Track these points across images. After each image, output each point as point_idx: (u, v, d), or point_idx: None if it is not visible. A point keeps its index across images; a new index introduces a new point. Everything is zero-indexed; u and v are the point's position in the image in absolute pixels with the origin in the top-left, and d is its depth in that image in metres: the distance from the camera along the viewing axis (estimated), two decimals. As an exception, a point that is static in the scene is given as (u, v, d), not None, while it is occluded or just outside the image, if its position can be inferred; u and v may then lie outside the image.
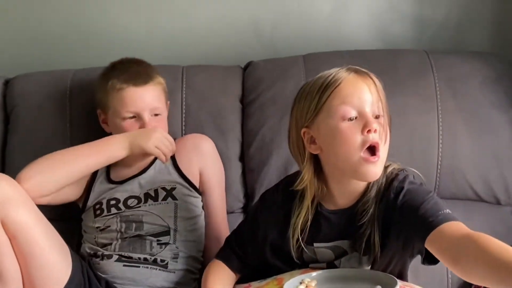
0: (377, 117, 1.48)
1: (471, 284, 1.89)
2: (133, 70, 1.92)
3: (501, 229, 1.98)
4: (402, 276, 1.55)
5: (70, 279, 1.69)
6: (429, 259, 1.43)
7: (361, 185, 1.53)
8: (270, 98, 2.04)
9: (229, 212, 2.02)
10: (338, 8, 2.35)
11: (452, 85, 2.02)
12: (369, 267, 1.55)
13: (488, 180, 2.00)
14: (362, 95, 1.47)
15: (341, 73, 1.50)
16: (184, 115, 2.07)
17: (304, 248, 1.56)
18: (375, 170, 1.47)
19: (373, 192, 1.51)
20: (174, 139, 2.00)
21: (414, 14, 2.35)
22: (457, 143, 1.99)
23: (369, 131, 1.45)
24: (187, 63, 2.17)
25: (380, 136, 1.47)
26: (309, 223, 1.55)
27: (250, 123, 2.07)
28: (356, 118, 1.46)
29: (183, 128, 2.06)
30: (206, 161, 1.97)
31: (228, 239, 1.75)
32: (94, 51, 2.38)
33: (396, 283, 1.42)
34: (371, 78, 1.51)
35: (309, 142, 1.52)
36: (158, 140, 1.85)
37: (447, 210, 1.42)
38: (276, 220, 1.62)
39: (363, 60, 2.04)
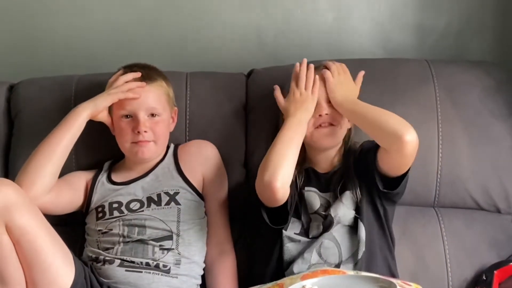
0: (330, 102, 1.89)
1: (474, 286, 1.91)
2: (135, 70, 1.95)
3: (501, 238, 2.00)
4: (390, 231, 1.90)
5: (73, 284, 1.69)
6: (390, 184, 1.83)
7: (332, 153, 1.94)
8: (273, 105, 2.05)
9: (232, 218, 2.02)
10: (341, 16, 2.37)
11: (452, 94, 2.03)
12: (354, 210, 1.85)
13: (488, 189, 2.01)
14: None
15: None
16: (188, 121, 2.07)
17: (296, 193, 1.91)
18: (325, 136, 1.89)
19: (344, 159, 1.94)
20: (178, 145, 2.03)
21: (415, 23, 2.37)
22: (457, 152, 2.00)
23: (320, 115, 1.88)
24: (191, 70, 2.18)
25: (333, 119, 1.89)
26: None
27: (254, 130, 2.08)
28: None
29: (187, 134, 2.07)
30: (209, 167, 1.98)
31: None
32: (99, 57, 2.39)
33: (395, 286, 1.47)
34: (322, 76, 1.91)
35: None
36: (110, 84, 1.95)
37: None
38: None
39: (364, 69, 2.07)
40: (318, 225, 1.86)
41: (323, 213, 1.86)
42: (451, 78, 2.06)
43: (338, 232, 1.83)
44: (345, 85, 1.90)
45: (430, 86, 2.04)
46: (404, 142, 1.72)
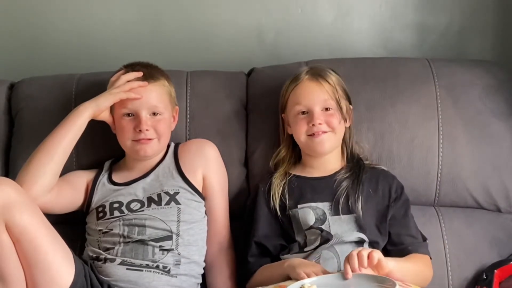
0: (327, 109, 1.88)
1: (474, 285, 1.91)
2: (137, 69, 1.95)
3: (501, 237, 2.00)
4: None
5: (73, 283, 1.69)
6: None
7: (331, 159, 1.93)
8: (274, 104, 2.05)
9: (232, 217, 2.02)
10: (341, 15, 2.37)
11: (453, 93, 2.03)
12: (357, 229, 1.82)
13: (488, 188, 2.01)
14: (312, 96, 1.88)
15: (301, 76, 1.93)
16: (188, 120, 2.07)
17: (290, 211, 1.87)
18: (321, 144, 1.87)
19: (348, 167, 1.92)
20: (178, 144, 2.03)
21: (416, 22, 2.37)
22: (457, 151, 2.00)
23: (313, 124, 1.86)
24: (192, 68, 2.18)
25: (328, 126, 1.87)
26: (286, 186, 1.90)
27: (254, 129, 2.08)
28: (307, 112, 1.88)
29: (187, 133, 2.07)
30: (210, 166, 1.98)
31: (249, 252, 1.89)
32: (99, 55, 2.40)
33: (395, 285, 1.47)
34: (326, 80, 1.90)
35: (287, 125, 1.97)
36: (111, 83, 1.94)
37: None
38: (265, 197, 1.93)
39: (364, 68, 2.08)
40: (315, 238, 1.82)
41: (320, 226, 1.83)
42: (452, 77, 2.06)
43: (339, 245, 1.80)
44: None
45: (431, 85, 2.04)
46: None
